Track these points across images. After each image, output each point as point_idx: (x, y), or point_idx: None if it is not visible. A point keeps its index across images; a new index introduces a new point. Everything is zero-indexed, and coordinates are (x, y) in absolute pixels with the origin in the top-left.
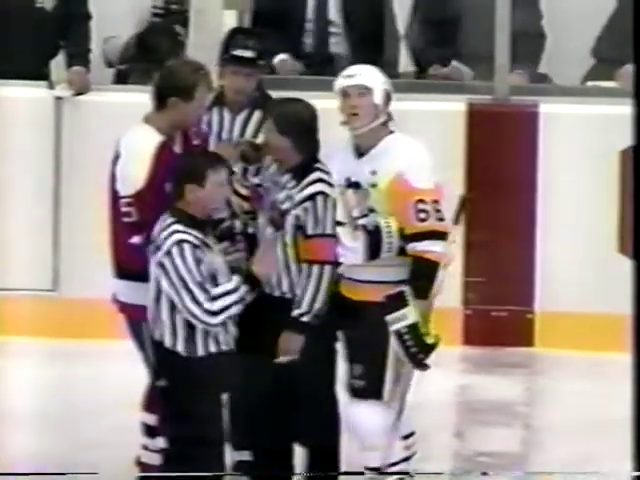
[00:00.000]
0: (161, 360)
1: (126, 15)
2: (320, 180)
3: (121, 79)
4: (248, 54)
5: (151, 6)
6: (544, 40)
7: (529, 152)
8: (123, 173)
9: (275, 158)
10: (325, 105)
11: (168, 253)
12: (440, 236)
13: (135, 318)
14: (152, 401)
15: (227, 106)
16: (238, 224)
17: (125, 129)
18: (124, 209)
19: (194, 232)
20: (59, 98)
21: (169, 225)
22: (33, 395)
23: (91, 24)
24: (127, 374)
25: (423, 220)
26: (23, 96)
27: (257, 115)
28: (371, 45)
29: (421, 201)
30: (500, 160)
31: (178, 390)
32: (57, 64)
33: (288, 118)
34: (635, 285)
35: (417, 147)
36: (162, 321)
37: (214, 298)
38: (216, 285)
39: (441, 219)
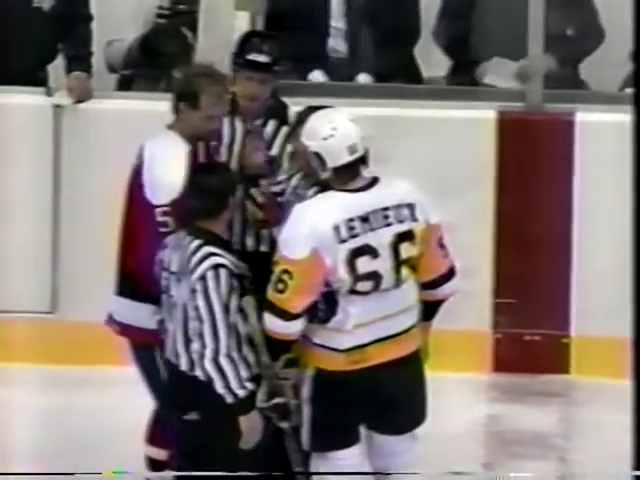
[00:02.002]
0: (192, 392)
1: (130, 16)
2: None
3: (125, 85)
4: (263, 59)
5: (157, 7)
6: (593, 41)
7: (564, 164)
8: (156, 181)
9: (302, 170)
10: (357, 112)
11: (202, 278)
12: (272, 308)
13: (142, 342)
14: (157, 433)
15: (239, 115)
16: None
17: (129, 139)
18: (160, 219)
19: (228, 256)
20: (58, 106)
21: (199, 247)
22: (30, 426)
23: (92, 26)
24: (131, 403)
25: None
26: (19, 103)
27: (272, 125)
28: (395, 48)
29: (275, 263)
30: (533, 172)
31: (211, 423)
32: (56, 69)
33: None
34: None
35: (299, 215)
36: (193, 350)
37: (229, 356)
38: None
39: (280, 291)
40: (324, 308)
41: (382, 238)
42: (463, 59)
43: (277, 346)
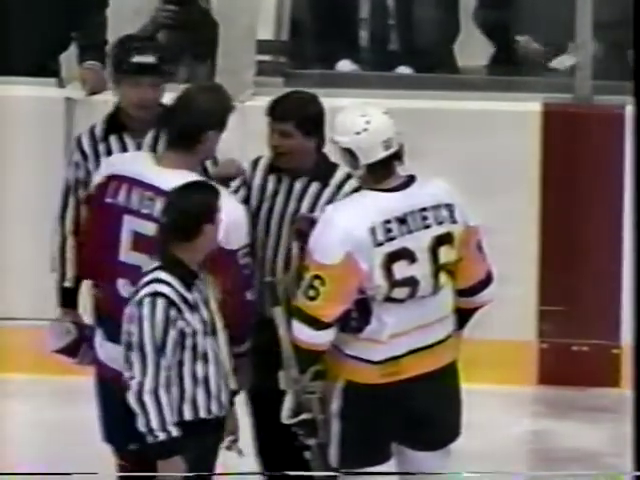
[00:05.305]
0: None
1: (146, 2)
2: (350, 176)
3: None
4: (150, 59)
5: None
6: None
7: (614, 160)
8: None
9: (292, 164)
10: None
11: (140, 303)
12: (304, 317)
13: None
14: None
15: (127, 130)
16: None
17: None
18: (244, 261)
19: (177, 284)
20: (70, 98)
21: (152, 270)
22: (39, 440)
23: (107, 12)
24: None
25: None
26: (28, 96)
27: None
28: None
29: (306, 268)
30: (581, 169)
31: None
32: (68, 59)
33: (310, 117)
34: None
35: (332, 216)
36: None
37: (155, 393)
38: (183, 349)
39: (311, 298)
40: (357, 317)
41: (420, 241)
42: (505, 44)
43: (306, 357)
